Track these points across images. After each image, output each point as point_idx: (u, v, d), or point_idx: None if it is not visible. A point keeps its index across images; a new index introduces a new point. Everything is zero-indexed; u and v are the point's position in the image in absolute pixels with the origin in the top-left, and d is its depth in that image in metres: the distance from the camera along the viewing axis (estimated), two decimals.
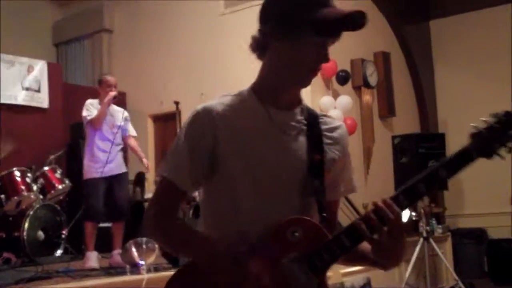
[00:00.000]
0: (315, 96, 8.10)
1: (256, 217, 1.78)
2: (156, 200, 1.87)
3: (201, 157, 1.80)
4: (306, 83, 1.93)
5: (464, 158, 1.81)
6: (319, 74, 7.32)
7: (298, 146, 1.88)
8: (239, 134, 1.83)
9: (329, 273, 5.38)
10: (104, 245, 7.04)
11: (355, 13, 1.78)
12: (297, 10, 1.76)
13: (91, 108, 6.03)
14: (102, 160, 5.90)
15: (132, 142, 6.43)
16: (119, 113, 6.24)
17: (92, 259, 5.62)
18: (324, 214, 1.87)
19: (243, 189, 1.79)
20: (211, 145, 1.79)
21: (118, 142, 6.13)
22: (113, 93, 6.07)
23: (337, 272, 6.13)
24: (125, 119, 6.24)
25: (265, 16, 1.86)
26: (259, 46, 1.90)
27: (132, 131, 6.43)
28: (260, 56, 1.93)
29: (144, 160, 6.44)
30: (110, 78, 6.30)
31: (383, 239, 1.73)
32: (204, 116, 1.81)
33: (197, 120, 1.81)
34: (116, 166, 6.08)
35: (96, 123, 5.96)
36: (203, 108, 1.83)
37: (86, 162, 6.03)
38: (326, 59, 1.91)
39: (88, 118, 5.97)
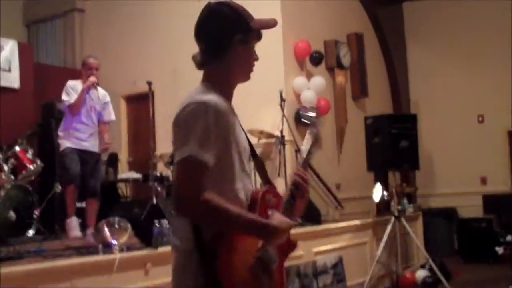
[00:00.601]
0: (289, 77, 8.12)
1: (243, 187, 2.24)
2: (189, 180, 2.04)
3: (220, 140, 2.14)
4: (249, 78, 2.45)
5: None
6: (292, 55, 7.38)
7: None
8: (232, 125, 2.23)
9: (302, 252, 5.45)
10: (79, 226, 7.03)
11: (275, 21, 2.48)
12: (245, 24, 2.34)
13: (71, 92, 6.14)
14: (78, 138, 6.13)
15: (103, 129, 6.43)
16: (102, 96, 6.39)
17: (75, 226, 5.67)
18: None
19: (237, 167, 2.22)
20: (227, 132, 2.18)
21: (94, 124, 6.27)
22: (92, 79, 6.16)
23: (310, 251, 6.19)
24: (104, 103, 6.31)
25: (226, 29, 2.28)
26: (213, 52, 2.30)
27: (109, 115, 6.48)
28: (205, 62, 2.33)
29: (106, 146, 6.36)
30: (92, 61, 6.35)
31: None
32: (221, 107, 2.17)
33: (217, 110, 2.14)
34: (91, 145, 6.26)
35: (74, 108, 6.11)
36: (214, 101, 2.16)
37: (60, 139, 6.21)
38: (257, 57, 2.45)
39: (67, 103, 6.12)
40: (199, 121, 2.09)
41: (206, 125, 2.08)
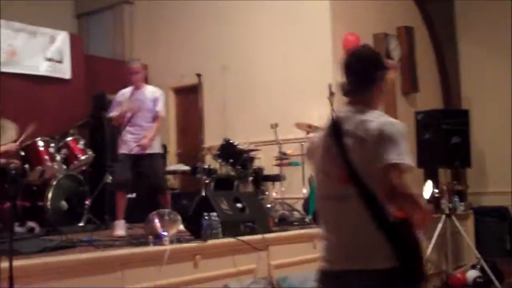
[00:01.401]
0: (338, 70, 7.99)
1: None
2: (404, 180, 2.57)
3: None
4: None
5: None
6: (341, 48, 7.21)
7: None
8: None
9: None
10: (127, 216, 7.10)
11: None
12: (382, 64, 2.85)
13: (116, 106, 6.19)
14: (129, 143, 6.06)
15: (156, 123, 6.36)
16: (151, 93, 6.29)
17: (121, 227, 5.72)
18: None
19: None
20: None
21: (151, 123, 6.17)
22: (130, 108, 6.09)
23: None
24: (155, 100, 6.24)
25: (374, 66, 2.80)
26: (362, 84, 2.77)
27: (161, 111, 6.32)
28: (354, 92, 2.77)
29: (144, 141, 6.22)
30: (131, 66, 6.31)
31: None
32: None
33: None
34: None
35: (115, 120, 6.19)
36: None
37: (119, 139, 6.21)
38: None
39: (108, 115, 6.24)
40: (404, 137, 2.61)
41: (406, 140, 2.63)
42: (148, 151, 6.11)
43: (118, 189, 6.08)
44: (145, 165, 6.11)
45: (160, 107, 6.27)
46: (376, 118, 2.66)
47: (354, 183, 2.60)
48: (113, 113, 6.19)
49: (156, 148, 6.28)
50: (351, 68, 2.80)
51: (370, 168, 2.59)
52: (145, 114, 6.15)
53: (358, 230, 2.63)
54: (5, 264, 3.37)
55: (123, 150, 6.09)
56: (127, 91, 6.25)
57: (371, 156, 2.59)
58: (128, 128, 6.10)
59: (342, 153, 2.64)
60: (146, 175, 6.16)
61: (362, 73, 2.78)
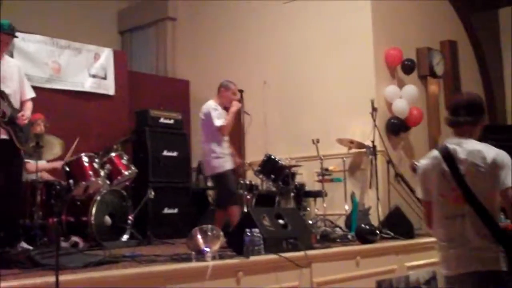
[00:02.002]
0: (380, 86, 7.96)
1: None
2: None
3: None
4: None
5: None
6: (383, 63, 7.24)
7: None
8: None
9: (394, 266, 5.31)
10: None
11: None
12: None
13: (218, 114, 6.51)
14: (224, 155, 6.51)
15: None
16: None
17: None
18: None
19: None
20: None
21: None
22: (239, 105, 6.69)
23: (402, 265, 6.03)
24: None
25: (482, 110, 3.48)
26: (474, 122, 3.41)
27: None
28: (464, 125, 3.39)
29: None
30: (235, 87, 6.75)
31: None
32: None
33: None
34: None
35: (225, 130, 6.49)
36: None
37: (211, 158, 6.51)
38: None
39: (218, 124, 6.43)
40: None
41: None
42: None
43: (235, 203, 6.39)
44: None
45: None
46: (488, 148, 3.29)
47: (470, 203, 3.22)
48: (221, 121, 6.47)
49: None
50: (466, 108, 3.40)
51: (484, 190, 3.23)
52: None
53: (475, 240, 3.22)
54: (51, 279, 3.41)
55: (229, 166, 6.50)
56: (218, 106, 6.58)
57: (487, 181, 3.23)
58: (226, 143, 6.55)
59: (458, 178, 3.27)
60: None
61: (474, 114, 3.41)
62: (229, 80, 6.82)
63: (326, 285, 5.21)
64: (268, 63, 8.78)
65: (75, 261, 4.38)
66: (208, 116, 6.52)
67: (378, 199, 7.07)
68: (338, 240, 6.35)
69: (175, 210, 8.08)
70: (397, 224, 6.54)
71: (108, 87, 8.54)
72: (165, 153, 8.30)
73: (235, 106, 6.58)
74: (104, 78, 8.52)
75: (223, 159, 6.46)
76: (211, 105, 6.55)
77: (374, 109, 7.31)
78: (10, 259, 4.42)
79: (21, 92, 5.61)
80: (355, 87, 7.91)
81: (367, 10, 7.98)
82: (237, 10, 9.36)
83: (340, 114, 8.00)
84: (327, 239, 6.34)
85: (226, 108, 6.62)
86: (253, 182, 7.70)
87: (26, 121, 5.44)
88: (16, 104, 5.50)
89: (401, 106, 7.95)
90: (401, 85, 8.16)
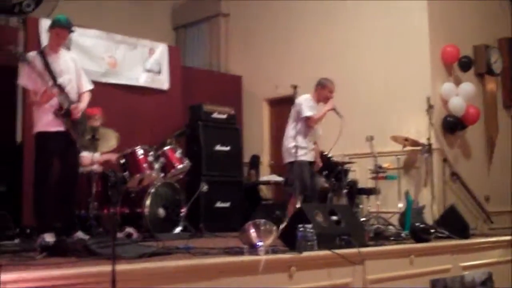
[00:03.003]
0: (436, 83, 7.83)
1: None
2: None
3: None
4: None
5: None
6: (440, 60, 7.17)
7: None
8: None
9: (449, 266, 5.26)
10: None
11: None
12: None
13: (312, 107, 6.67)
14: (304, 148, 6.61)
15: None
16: None
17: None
18: None
19: None
20: None
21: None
22: (333, 103, 6.76)
23: (457, 265, 5.91)
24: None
25: None
26: None
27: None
28: None
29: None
30: (332, 86, 6.82)
31: None
32: None
33: None
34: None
35: (312, 122, 6.64)
36: None
37: (292, 147, 6.59)
38: None
39: (307, 115, 6.59)
40: None
41: None
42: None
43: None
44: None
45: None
46: None
47: None
48: (311, 112, 6.62)
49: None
50: None
51: None
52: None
53: None
54: (107, 268, 3.46)
55: (307, 158, 6.59)
56: (312, 101, 6.74)
57: None
58: (311, 138, 6.69)
59: None
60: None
61: None
62: (326, 78, 6.84)
63: (379, 282, 5.14)
64: (322, 59, 8.73)
65: (129, 252, 4.43)
66: (299, 106, 6.65)
67: (433, 197, 6.97)
68: (392, 238, 6.26)
69: (227, 204, 8.11)
70: (452, 223, 6.42)
71: (162, 82, 8.62)
72: (218, 147, 8.36)
73: (329, 105, 6.69)
74: (159, 73, 8.60)
75: (303, 150, 6.54)
76: (306, 97, 6.71)
77: (430, 107, 7.20)
78: (67, 248, 4.50)
79: (78, 84, 5.71)
80: (411, 84, 7.80)
81: (423, 7, 7.86)
82: (291, 6, 9.33)
83: (395, 112, 7.90)
84: (380, 237, 6.26)
85: None
86: None
87: (79, 114, 5.53)
88: (74, 97, 5.60)
89: (457, 104, 7.80)
90: (457, 82, 8.01)
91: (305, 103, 6.61)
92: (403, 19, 8.02)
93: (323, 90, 6.74)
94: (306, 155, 6.56)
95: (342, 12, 8.64)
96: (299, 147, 6.47)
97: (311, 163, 6.66)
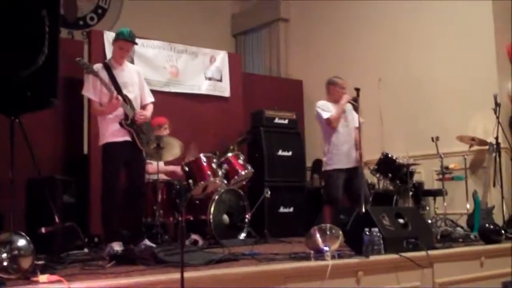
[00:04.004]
0: (503, 80, 7.63)
1: None
2: None
3: None
4: None
5: None
6: (506, 57, 6.90)
7: None
8: None
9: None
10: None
11: None
12: None
13: (326, 109, 6.58)
14: (331, 154, 6.53)
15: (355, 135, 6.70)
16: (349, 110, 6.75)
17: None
18: None
19: None
20: None
21: (351, 139, 6.61)
22: (347, 96, 6.60)
23: None
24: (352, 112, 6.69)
25: None
26: None
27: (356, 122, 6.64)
28: None
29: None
30: (341, 81, 6.75)
31: None
32: None
33: None
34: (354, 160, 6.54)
35: (333, 122, 6.51)
36: None
37: (323, 156, 6.66)
38: None
39: (325, 116, 6.52)
40: None
41: None
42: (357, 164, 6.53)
43: (328, 203, 6.51)
44: (354, 178, 6.43)
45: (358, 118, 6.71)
46: None
47: None
48: (327, 113, 6.57)
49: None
50: None
51: None
52: (349, 126, 6.67)
53: None
54: (175, 275, 3.50)
55: (335, 165, 6.48)
56: (327, 103, 6.66)
57: None
58: (334, 140, 6.56)
59: None
60: (354, 188, 6.40)
61: None
62: (335, 75, 6.79)
63: (449, 285, 5.07)
64: (384, 60, 8.63)
65: (196, 259, 4.48)
66: (318, 115, 6.64)
67: (502, 197, 6.76)
68: (460, 240, 6.13)
69: (291, 209, 8.11)
70: None
71: (224, 89, 8.69)
72: (280, 152, 8.36)
73: (344, 98, 6.58)
74: (220, 80, 8.68)
75: (329, 157, 6.51)
76: (320, 102, 6.65)
77: (497, 105, 7.00)
78: (135, 256, 4.58)
79: (141, 96, 5.83)
80: (477, 82, 7.63)
81: (488, 4, 7.68)
82: (350, 10, 9.28)
83: (460, 111, 7.74)
84: (448, 239, 6.15)
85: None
86: (370, 181, 7.59)
87: (142, 118, 5.63)
88: (138, 108, 5.71)
89: None
90: None
91: (321, 108, 6.57)
92: (467, 17, 7.86)
93: (335, 88, 6.67)
94: (335, 164, 6.50)
95: (404, 12, 8.52)
96: (326, 156, 6.53)
97: (348, 170, 6.51)
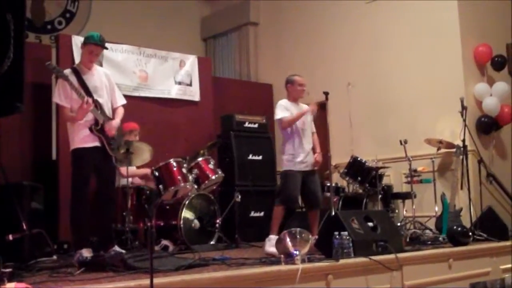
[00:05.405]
0: (469, 84, 7.74)
1: None
2: None
3: None
4: None
5: None
6: (472, 60, 7.04)
7: None
8: None
9: (489, 269, 5.19)
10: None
11: None
12: None
13: (284, 108, 6.29)
14: (299, 155, 6.20)
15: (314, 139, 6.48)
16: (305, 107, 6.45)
17: (273, 244, 5.70)
18: None
19: None
20: None
21: (308, 140, 6.34)
22: (312, 108, 6.37)
23: (497, 268, 5.84)
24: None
25: None
26: None
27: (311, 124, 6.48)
28: None
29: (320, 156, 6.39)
30: (300, 79, 6.48)
31: None
32: None
33: None
34: (310, 164, 6.28)
35: (285, 123, 6.22)
36: None
37: (284, 156, 6.29)
38: None
39: (277, 116, 6.27)
40: None
41: None
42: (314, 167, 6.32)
43: (282, 204, 6.15)
44: (314, 180, 6.26)
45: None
46: None
47: None
48: (281, 114, 6.26)
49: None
50: None
51: None
52: (304, 127, 6.32)
53: None
54: (145, 281, 3.49)
55: (292, 167, 6.17)
56: (288, 102, 6.38)
57: None
58: (300, 143, 6.25)
59: None
60: (309, 189, 6.24)
61: None
62: (293, 74, 6.66)
63: (418, 287, 5.11)
64: (353, 64, 8.70)
65: (166, 264, 4.47)
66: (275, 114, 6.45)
67: (470, 200, 6.86)
68: (429, 242, 6.21)
69: (261, 214, 8.11)
70: (490, 226, 6.34)
71: (194, 94, 8.67)
72: (251, 156, 8.35)
73: (306, 109, 6.36)
74: (190, 84, 8.66)
75: (287, 158, 6.24)
76: (280, 101, 6.42)
77: (463, 108, 7.10)
78: (105, 263, 4.55)
79: (112, 100, 5.78)
80: (444, 85, 7.72)
81: (454, 7, 7.78)
82: (319, 13, 9.33)
83: (428, 114, 7.83)
84: (417, 242, 6.22)
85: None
86: (339, 184, 7.64)
87: (113, 131, 5.59)
88: (109, 112, 5.66)
89: (491, 104, 7.69)
90: (491, 82, 7.90)
91: (278, 107, 6.32)
92: (434, 20, 7.94)
93: (293, 86, 6.42)
94: (293, 165, 6.18)
95: (371, 15, 8.60)
96: (284, 156, 6.26)
97: (304, 172, 6.21)
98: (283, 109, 6.28)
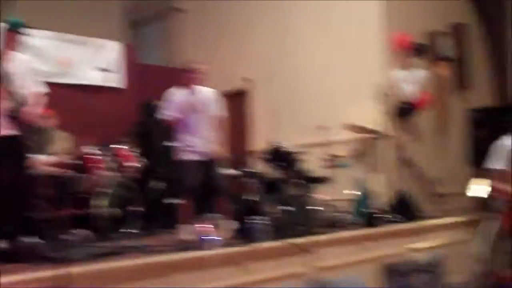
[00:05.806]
0: (386, 69, 7.92)
1: None
2: None
3: None
4: None
5: None
6: (393, 47, 7.17)
7: None
8: None
9: (397, 249, 5.32)
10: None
11: None
12: None
13: (167, 106, 6.21)
14: (194, 143, 6.09)
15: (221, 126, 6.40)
16: (211, 95, 6.36)
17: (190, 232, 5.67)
18: None
19: None
20: None
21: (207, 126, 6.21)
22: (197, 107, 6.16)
23: (409, 248, 6.05)
24: (216, 101, 6.33)
25: None
26: None
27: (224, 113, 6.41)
28: None
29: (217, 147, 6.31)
30: (193, 66, 6.42)
31: None
32: None
33: None
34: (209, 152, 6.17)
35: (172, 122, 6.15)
36: None
37: (180, 145, 6.19)
38: None
39: (160, 116, 6.22)
40: None
41: None
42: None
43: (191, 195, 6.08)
44: (213, 170, 6.16)
45: (223, 109, 6.37)
46: None
47: None
48: (170, 113, 6.18)
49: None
50: None
51: None
52: (206, 116, 6.20)
53: None
54: (61, 271, 3.47)
55: (190, 156, 6.08)
56: (182, 91, 6.25)
57: None
58: (193, 132, 6.13)
59: None
60: (214, 180, 6.16)
61: None
62: (191, 61, 6.60)
63: (333, 269, 5.24)
64: (275, 53, 8.78)
65: (83, 253, 4.43)
66: None
67: (385, 183, 7.06)
68: (344, 225, 6.36)
69: (179, 201, 8.08)
70: (404, 208, 6.56)
71: (117, 80, 8.57)
72: (169, 143, 8.28)
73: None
74: (113, 71, 8.55)
75: (183, 146, 6.17)
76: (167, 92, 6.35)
77: (381, 94, 7.28)
78: (20, 253, 4.47)
79: (28, 86, 5.64)
80: (363, 72, 7.89)
81: None
82: (243, 1, 9.35)
83: (347, 100, 7.99)
84: (333, 225, 6.36)
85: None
86: (259, 170, 7.72)
87: (30, 117, 5.47)
88: (26, 99, 5.53)
89: (409, 90, 7.90)
90: (410, 69, 8.11)
91: (164, 98, 6.31)
92: (353, 7, 8.09)
93: (184, 74, 6.38)
94: (189, 153, 6.09)
95: (293, 5, 8.69)
96: (180, 144, 6.20)
97: (202, 162, 6.08)
98: (170, 97, 6.22)
